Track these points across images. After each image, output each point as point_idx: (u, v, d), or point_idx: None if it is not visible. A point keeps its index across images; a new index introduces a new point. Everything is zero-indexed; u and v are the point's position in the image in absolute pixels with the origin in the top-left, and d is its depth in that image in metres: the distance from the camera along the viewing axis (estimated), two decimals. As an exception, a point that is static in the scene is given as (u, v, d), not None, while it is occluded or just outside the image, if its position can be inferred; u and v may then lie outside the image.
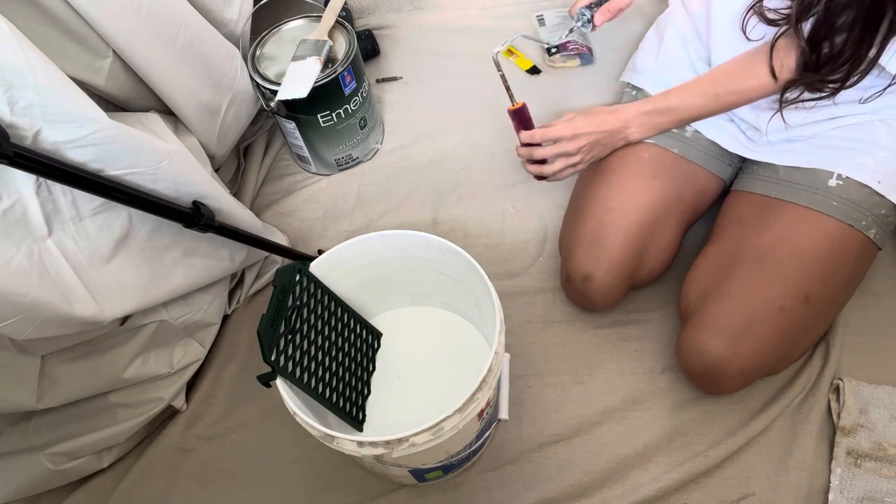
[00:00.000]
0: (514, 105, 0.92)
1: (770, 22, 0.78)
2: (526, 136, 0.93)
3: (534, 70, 1.35)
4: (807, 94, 0.80)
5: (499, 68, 0.88)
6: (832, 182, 0.83)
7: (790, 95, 0.80)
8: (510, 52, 1.38)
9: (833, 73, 0.75)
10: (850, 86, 0.76)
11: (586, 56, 1.34)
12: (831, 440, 0.86)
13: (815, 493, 0.83)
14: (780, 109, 0.82)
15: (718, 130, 0.93)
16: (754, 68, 0.81)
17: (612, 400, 0.94)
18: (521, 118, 0.93)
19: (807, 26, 0.74)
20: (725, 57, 0.87)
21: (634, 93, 1.00)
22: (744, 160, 0.96)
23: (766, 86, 0.81)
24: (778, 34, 0.77)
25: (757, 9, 0.78)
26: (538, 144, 0.93)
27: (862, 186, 0.82)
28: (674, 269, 0.99)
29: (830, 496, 0.81)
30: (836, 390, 0.89)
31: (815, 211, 0.82)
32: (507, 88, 0.91)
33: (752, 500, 0.84)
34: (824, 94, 0.79)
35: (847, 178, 0.82)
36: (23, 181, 0.67)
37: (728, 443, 0.87)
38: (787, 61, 0.78)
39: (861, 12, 0.69)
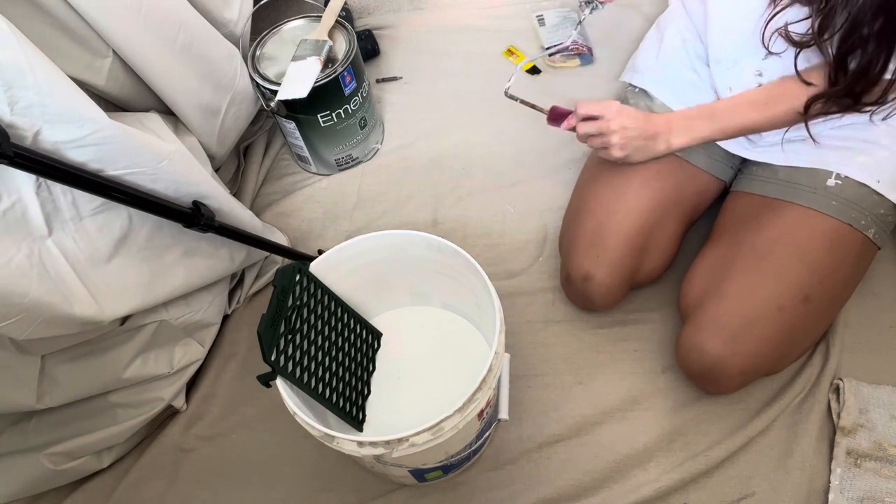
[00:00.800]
0: (546, 115, 0.92)
1: (795, 43, 0.76)
2: (579, 114, 0.88)
3: (534, 70, 1.35)
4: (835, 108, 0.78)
5: (517, 100, 0.93)
6: (831, 182, 0.83)
7: (815, 109, 0.78)
8: (510, 52, 1.38)
9: (860, 87, 0.73)
10: (882, 103, 0.74)
11: (586, 56, 1.34)
12: (831, 440, 0.86)
13: (815, 493, 0.83)
14: (806, 123, 0.80)
15: None
16: (792, 87, 0.79)
17: (612, 400, 0.94)
18: (560, 117, 0.92)
19: (833, 43, 0.72)
20: (723, 56, 0.87)
21: (637, 90, 1.00)
22: (744, 161, 0.96)
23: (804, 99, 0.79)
24: (798, 51, 0.76)
25: (782, 32, 0.77)
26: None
27: (861, 186, 0.82)
28: (674, 269, 0.99)
29: (830, 496, 0.81)
30: (836, 390, 0.89)
31: (814, 211, 0.82)
32: (534, 107, 0.93)
33: (752, 500, 0.84)
34: (855, 109, 0.77)
35: (846, 177, 0.82)
36: (23, 181, 0.67)
37: (728, 443, 0.87)
38: (817, 77, 0.77)
39: (889, 22, 0.67)
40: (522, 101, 0.93)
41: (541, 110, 0.93)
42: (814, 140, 0.83)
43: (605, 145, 0.87)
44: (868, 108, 0.76)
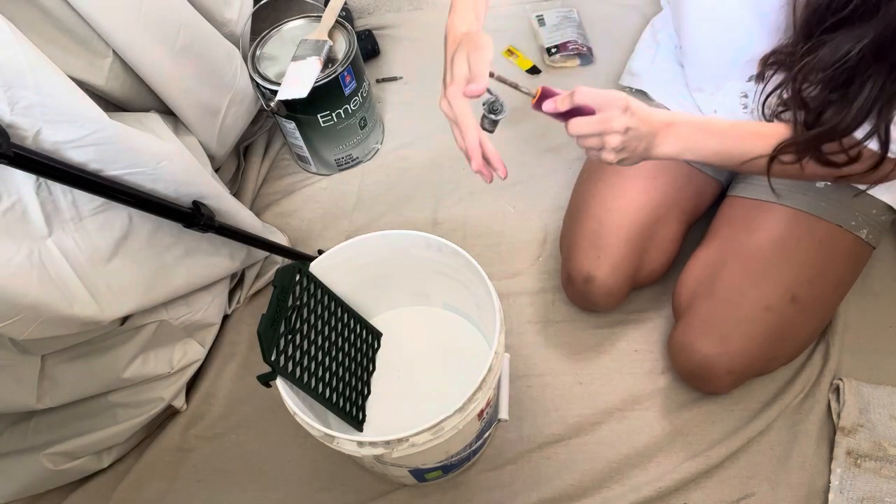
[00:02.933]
0: (534, 98, 0.70)
1: (776, 115, 0.74)
2: (576, 101, 0.67)
3: (534, 70, 1.35)
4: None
5: (503, 81, 0.74)
6: (820, 183, 0.83)
7: (785, 157, 0.72)
8: (510, 52, 1.38)
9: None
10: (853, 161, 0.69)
11: (586, 56, 1.33)
12: (831, 440, 0.86)
13: (815, 493, 0.83)
14: (768, 174, 0.73)
15: None
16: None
17: (612, 400, 0.94)
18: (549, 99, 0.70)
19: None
20: (705, 84, 0.88)
21: (634, 90, 1.00)
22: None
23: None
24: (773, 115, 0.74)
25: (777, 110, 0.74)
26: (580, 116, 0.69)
27: (851, 187, 0.82)
28: (675, 270, 0.99)
29: (830, 496, 0.81)
30: (836, 390, 0.89)
31: (803, 212, 0.82)
32: (517, 88, 0.73)
33: (752, 500, 0.84)
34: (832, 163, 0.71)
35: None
36: (23, 181, 0.67)
37: (728, 443, 0.87)
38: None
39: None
40: (505, 82, 0.75)
41: (527, 93, 0.72)
42: (774, 191, 0.79)
43: (601, 146, 0.68)
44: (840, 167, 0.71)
